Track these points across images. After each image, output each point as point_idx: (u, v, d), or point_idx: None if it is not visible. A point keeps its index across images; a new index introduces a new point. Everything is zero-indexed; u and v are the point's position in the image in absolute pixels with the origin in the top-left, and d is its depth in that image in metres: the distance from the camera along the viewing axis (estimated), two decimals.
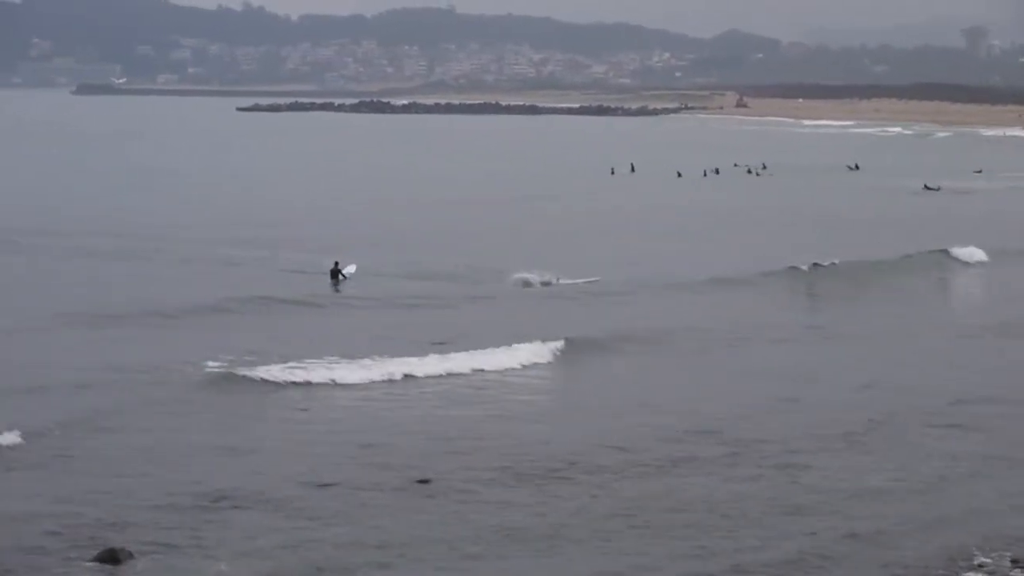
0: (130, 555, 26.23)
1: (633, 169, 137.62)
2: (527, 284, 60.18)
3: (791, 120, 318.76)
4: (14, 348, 45.10)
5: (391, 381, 41.17)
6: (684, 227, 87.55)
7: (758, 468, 32.26)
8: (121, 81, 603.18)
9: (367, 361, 42.34)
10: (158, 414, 36.58)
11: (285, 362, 41.69)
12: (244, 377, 40.37)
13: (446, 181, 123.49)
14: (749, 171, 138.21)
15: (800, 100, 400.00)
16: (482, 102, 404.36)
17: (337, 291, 59.23)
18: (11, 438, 33.19)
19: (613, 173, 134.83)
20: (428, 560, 26.49)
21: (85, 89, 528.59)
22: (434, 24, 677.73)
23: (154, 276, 62.24)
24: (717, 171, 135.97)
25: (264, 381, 40.21)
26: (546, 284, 60.34)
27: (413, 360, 42.68)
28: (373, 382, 40.96)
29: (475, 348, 44.41)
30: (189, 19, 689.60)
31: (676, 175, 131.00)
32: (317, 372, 41.10)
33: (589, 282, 61.14)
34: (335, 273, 61.09)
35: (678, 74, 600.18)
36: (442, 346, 45.17)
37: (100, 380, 40.01)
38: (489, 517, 28.67)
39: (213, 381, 40.19)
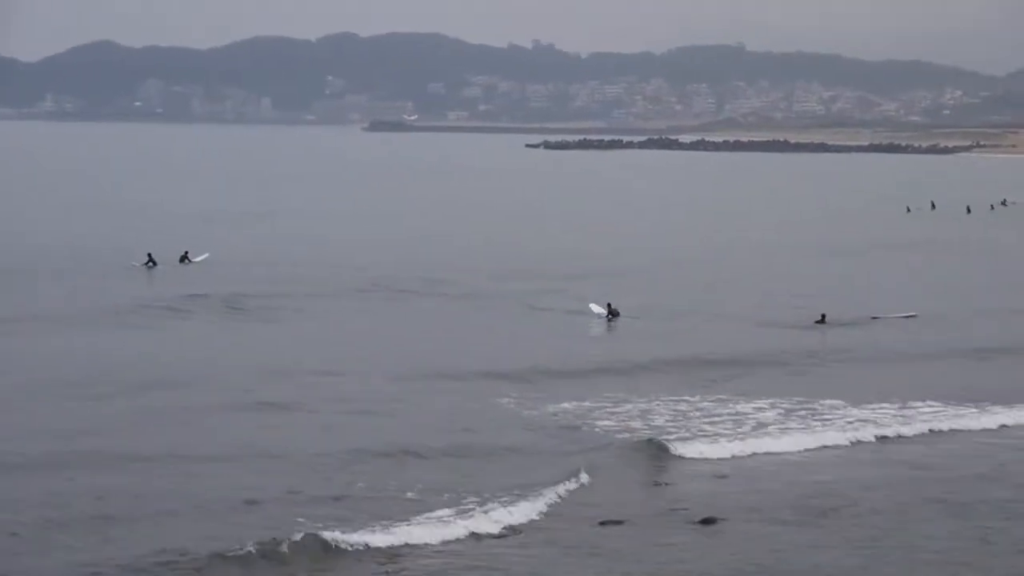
0: None
1: (934, 207, 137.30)
2: None
3: None
4: None
5: None
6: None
7: None
8: (412, 118, 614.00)
9: None
10: None
11: None
12: None
13: (761, 222, 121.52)
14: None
15: None
16: (770, 139, 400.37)
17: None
18: None
19: (909, 211, 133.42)
20: None
21: (377, 126, 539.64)
22: (723, 61, 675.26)
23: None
24: (1003, 203, 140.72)
25: None
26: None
27: None
28: None
29: None
30: (480, 57, 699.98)
31: (966, 210, 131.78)
32: None
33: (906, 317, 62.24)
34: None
35: (970, 112, 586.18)
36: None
37: None
38: None
39: None
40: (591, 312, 62.68)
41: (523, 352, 52.14)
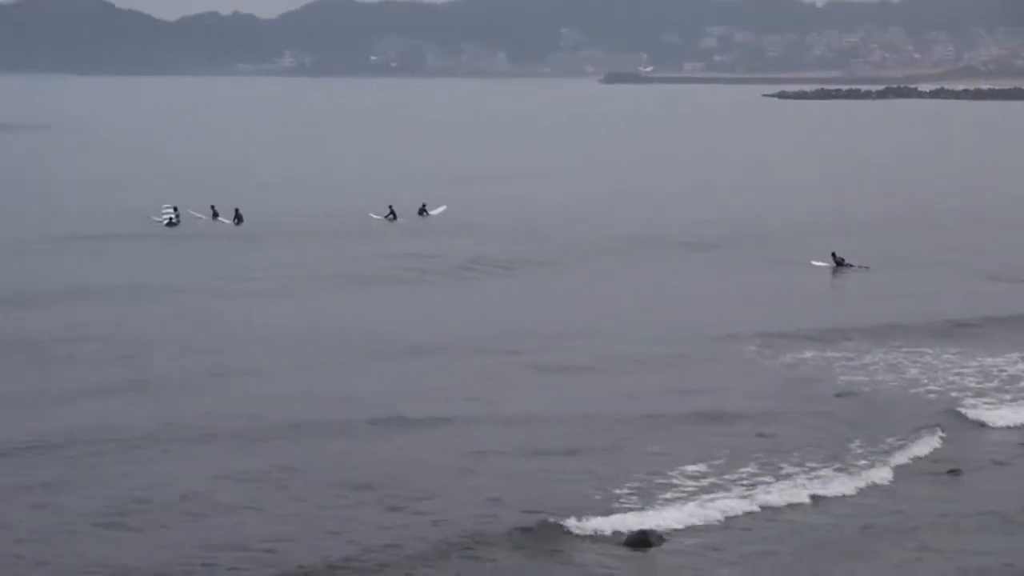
0: None
1: None
2: None
3: None
4: None
5: None
6: None
7: None
8: (648, 69, 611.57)
9: None
10: None
11: None
12: None
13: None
14: None
15: None
16: (1013, 87, 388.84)
17: None
18: None
19: None
20: None
21: (612, 78, 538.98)
22: (962, 9, 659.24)
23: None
24: None
25: None
26: None
27: None
28: None
29: None
30: (716, 7, 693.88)
31: None
32: None
33: None
34: None
35: None
36: None
37: None
38: None
39: None
40: (818, 266, 61.66)
41: (762, 309, 51.19)
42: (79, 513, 27.17)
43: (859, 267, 60.68)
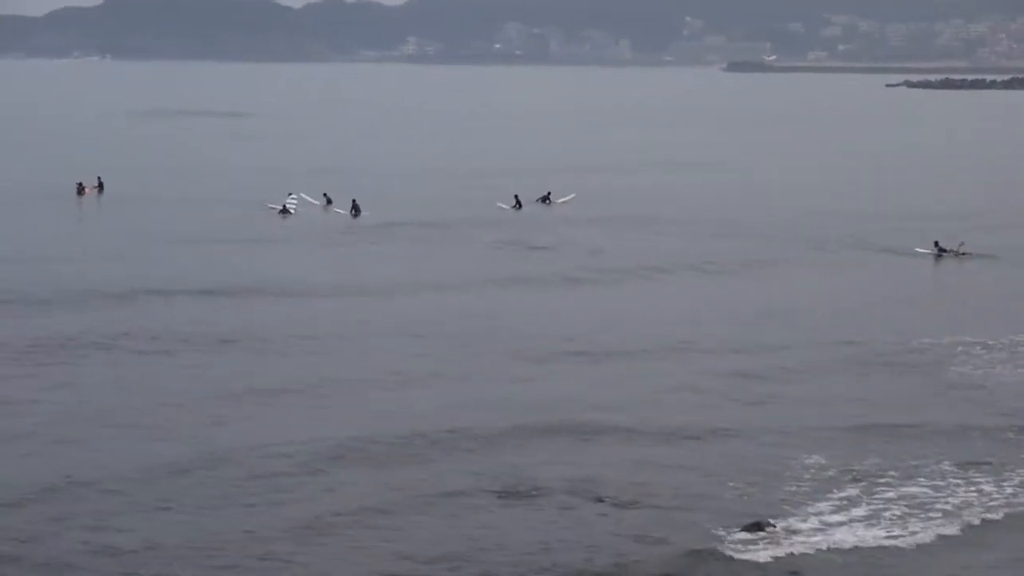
0: None
1: None
2: None
3: None
4: None
5: None
6: None
7: None
8: (771, 58, 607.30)
9: None
10: None
11: None
12: None
13: None
14: None
15: None
16: None
17: None
18: None
19: None
20: None
21: (736, 66, 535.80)
22: None
23: None
24: None
25: None
26: None
27: None
28: None
29: None
30: None
31: None
32: None
33: None
34: None
35: None
36: None
37: None
38: None
39: None
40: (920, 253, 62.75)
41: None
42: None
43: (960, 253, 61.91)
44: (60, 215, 75.13)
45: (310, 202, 79.45)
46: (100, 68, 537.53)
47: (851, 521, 27.62)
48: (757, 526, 26.83)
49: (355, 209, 77.10)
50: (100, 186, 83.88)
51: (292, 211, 76.89)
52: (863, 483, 29.91)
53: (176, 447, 31.75)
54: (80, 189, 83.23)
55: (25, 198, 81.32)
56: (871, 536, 26.90)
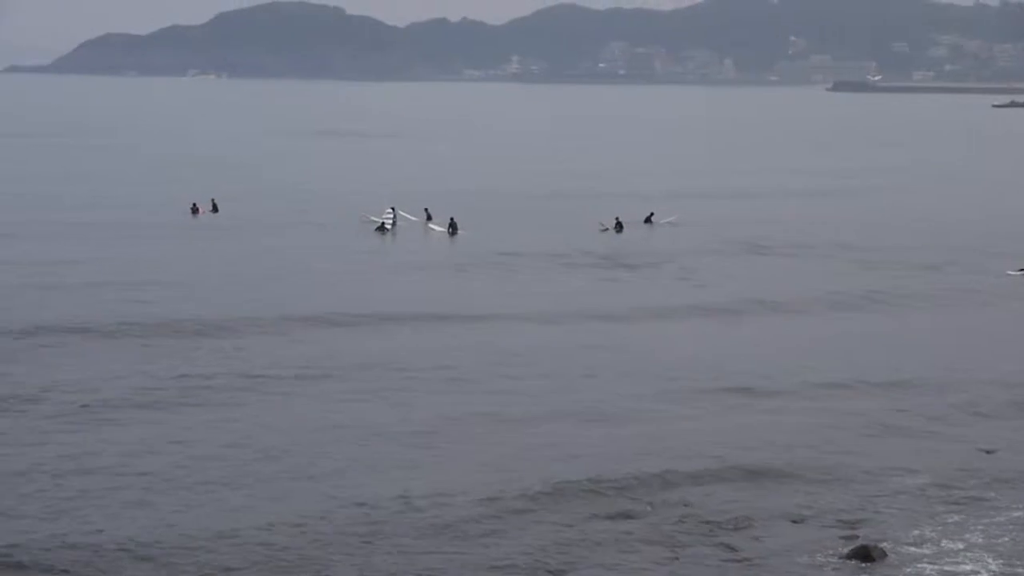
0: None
1: None
2: None
3: None
4: None
5: None
6: None
7: None
8: (876, 78, 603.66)
9: None
10: None
11: None
12: None
13: None
14: None
15: None
16: None
17: None
18: None
19: None
20: None
21: (841, 86, 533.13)
22: None
23: None
24: None
25: None
26: None
27: None
28: None
29: None
30: (945, 16, 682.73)
31: None
32: None
33: None
34: None
35: None
36: None
37: None
38: None
39: None
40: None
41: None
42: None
43: None
44: (176, 237, 75.00)
45: (409, 219, 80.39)
46: (218, 86, 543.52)
47: (967, 548, 27.90)
48: (865, 551, 27.40)
49: (452, 227, 77.79)
50: (214, 207, 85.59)
51: (388, 227, 78.05)
52: (970, 508, 30.35)
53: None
54: (195, 210, 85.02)
55: (154, 216, 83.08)
56: (988, 566, 27.14)
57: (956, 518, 29.70)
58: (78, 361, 42.72)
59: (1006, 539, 28.45)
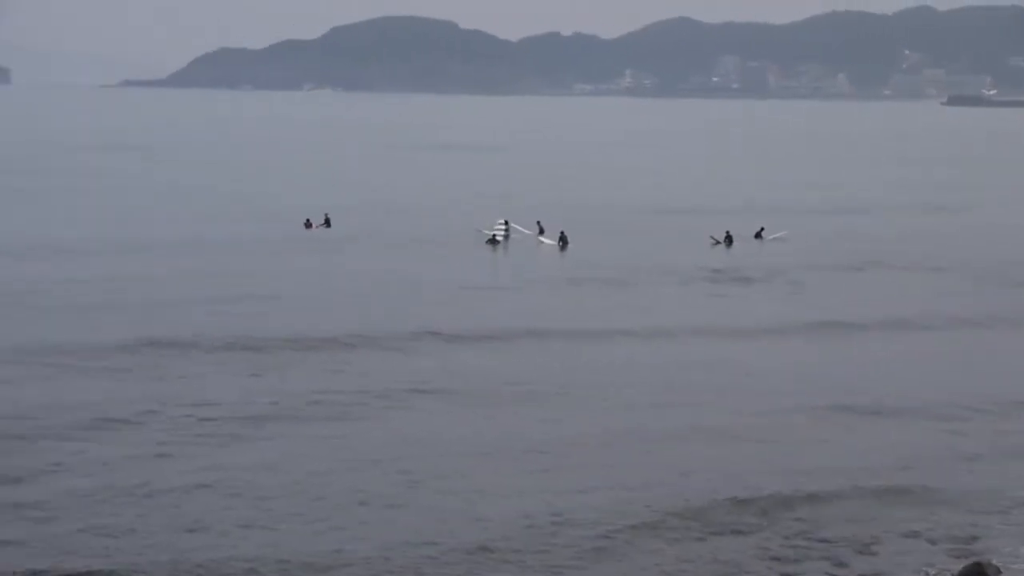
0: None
1: None
2: None
3: None
4: None
5: None
6: None
7: None
8: (991, 92, 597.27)
9: None
10: None
11: None
12: None
13: None
14: None
15: None
16: None
17: None
18: None
19: None
20: None
21: (955, 100, 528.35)
22: None
23: None
24: None
25: None
26: None
27: None
28: None
29: None
30: None
31: None
32: None
33: None
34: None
35: None
36: None
37: None
38: None
39: None
40: None
41: None
42: None
43: None
44: (289, 251, 74.98)
45: (522, 231, 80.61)
46: (334, 100, 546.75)
47: None
48: (979, 568, 27.22)
49: (563, 241, 78.01)
50: (327, 222, 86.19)
51: (500, 239, 78.44)
52: None
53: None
54: (308, 224, 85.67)
55: (267, 230, 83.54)
56: None
57: None
58: (193, 376, 42.90)
59: None
